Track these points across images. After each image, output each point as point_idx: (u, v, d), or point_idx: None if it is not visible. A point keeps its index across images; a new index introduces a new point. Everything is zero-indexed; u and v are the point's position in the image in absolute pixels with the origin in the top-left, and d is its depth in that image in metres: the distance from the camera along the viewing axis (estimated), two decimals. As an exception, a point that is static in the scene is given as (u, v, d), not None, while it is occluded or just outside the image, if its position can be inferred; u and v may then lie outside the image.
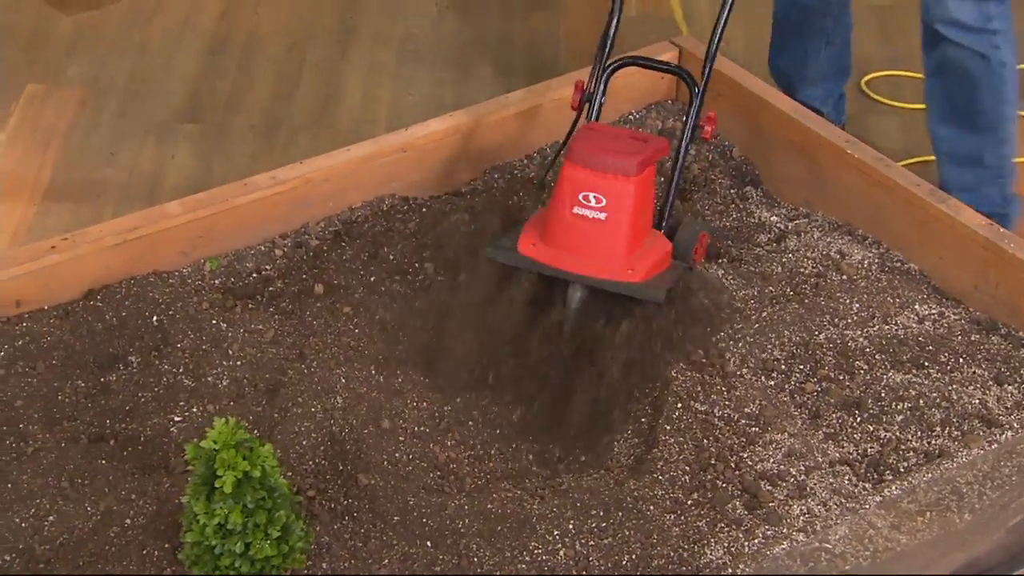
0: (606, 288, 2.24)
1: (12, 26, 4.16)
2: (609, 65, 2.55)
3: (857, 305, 2.47)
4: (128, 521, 2.05)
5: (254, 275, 2.58)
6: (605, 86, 2.55)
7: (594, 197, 2.25)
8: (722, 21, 2.52)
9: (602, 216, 2.25)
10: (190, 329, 2.40)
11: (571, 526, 2.06)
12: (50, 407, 2.27)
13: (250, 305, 2.49)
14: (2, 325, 2.38)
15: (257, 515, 1.86)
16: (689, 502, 2.11)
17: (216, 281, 2.55)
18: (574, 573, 2.00)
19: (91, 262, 2.45)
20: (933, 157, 3.26)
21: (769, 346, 2.39)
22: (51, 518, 2.08)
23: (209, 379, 2.31)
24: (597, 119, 2.55)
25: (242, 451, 1.83)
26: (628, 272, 2.25)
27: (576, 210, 2.26)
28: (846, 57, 3.52)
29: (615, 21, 2.57)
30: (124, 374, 2.34)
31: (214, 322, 2.42)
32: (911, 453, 2.21)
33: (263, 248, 2.64)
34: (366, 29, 4.27)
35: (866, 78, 3.93)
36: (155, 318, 2.42)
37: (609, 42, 2.57)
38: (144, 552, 2.00)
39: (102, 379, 2.33)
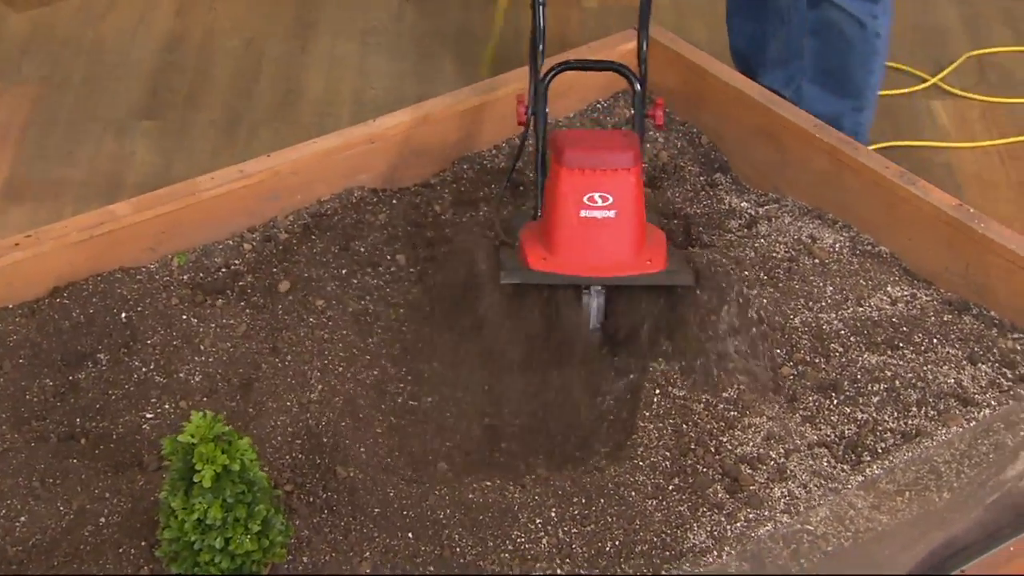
0: (634, 283, 2.23)
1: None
2: (545, 75, 2.50)
3: (830, 288, 2.48)
4: (102, 520, 2.02)
5: (223, 270, 2.54)
6: (545, 97, 2.50)
7: (600, 197, 2.23)
8: (646, 17, 2.51)
9: (611, 214, 2.24)
10: (160, 325, 2.37)
11: (553, 514, 2.04)
12: (18, 407, 2.23)
13: (220, 300, 2.46)
14: (-34, 325, 2.34)
15: (237, 509, 1.83)
16: (670, 487, 2.11)
17: (184, 276, 2.51)
18: (557, 561, 1.98)
19: (56, 259, 2.41)
20: (904, 143, 3.30)
21: (744, 331, 2.39)
22: (22, 519, 2.03)
23: (181, 375, 2.28)
24: (544, 131, 2.49)
25: (220, 444, 1.80)
26: (647, 263, 2.25)
27: (583, 213, 2.24)
28: (803, 35, 3.51)
29: (540, 28, 2.51)
30: (93, 372, 2.30)
31: (184, 317, 2.39)
32: (888, 434, 2.22)
33: (231, 242, 2.60)
34: (325, 23, 4.24)
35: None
36: (123, 315, 2.38)
37: (539, 53, 2.50)
38: (120, 551, 1.96)
39: (71, 377, 2.29)
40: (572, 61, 2.57)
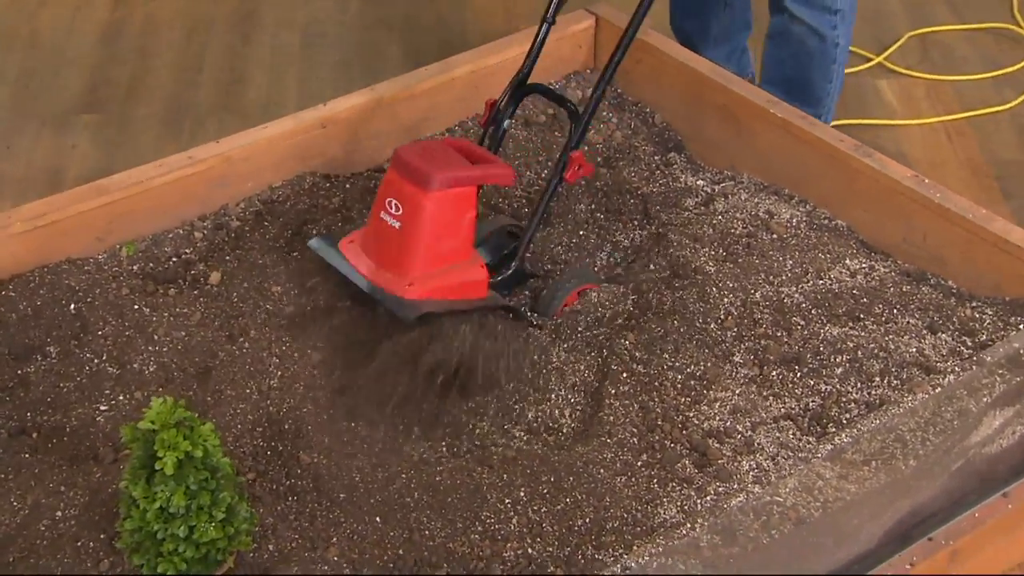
0: (379, 298, 2.17)
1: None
2: (516, 92, 2.49)
3: (790, 262, 2.47)
4: (59, 514, 1.96)
5: (174, 259, 2.49)
6: (514, 110, 2.49)
7: (395, 204, 2.19)
8: (609, 71, 2.44)
9: (397, 224, 2.18)
10: (111, 316, 2.31)
11: (522, 493, 2.02)
12: (-34, 402, 2.16)
13: (172, 289, 2.40)
14: (-91, 319, 2.26)
15: (200, 497, 1.78)
16: (639, 463, 2.09)
17: (134, 267, 2.46)
18: (528, 540, 1.95)
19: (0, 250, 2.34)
20: (852, 121, 3.29)
21: (708, 306, 2.38)
22: (-26, 516, 1.98)
23: (135, 365, 2.23)
24: (498, 147, 2.47)
25: (182, 431, 1.76)
26: (406, 287, 2.16)
27: (382, 215, 2.21)
28: (746, 13, 3.50)
29: (538, 48, 2.51)
30: (43, 365, 2.24)
31: (136, 307, 2.33)
32: (852, 404, 2.21)
33: (182, 231, 2.55)
34: (268, 14, 4.17)
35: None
36: (72, 306, 2.32)
37: (531, 64, 2.50)
38: (79, 544, 1.91)
39: (19, 371, 2.23)
40: (540, 87, 2.56)
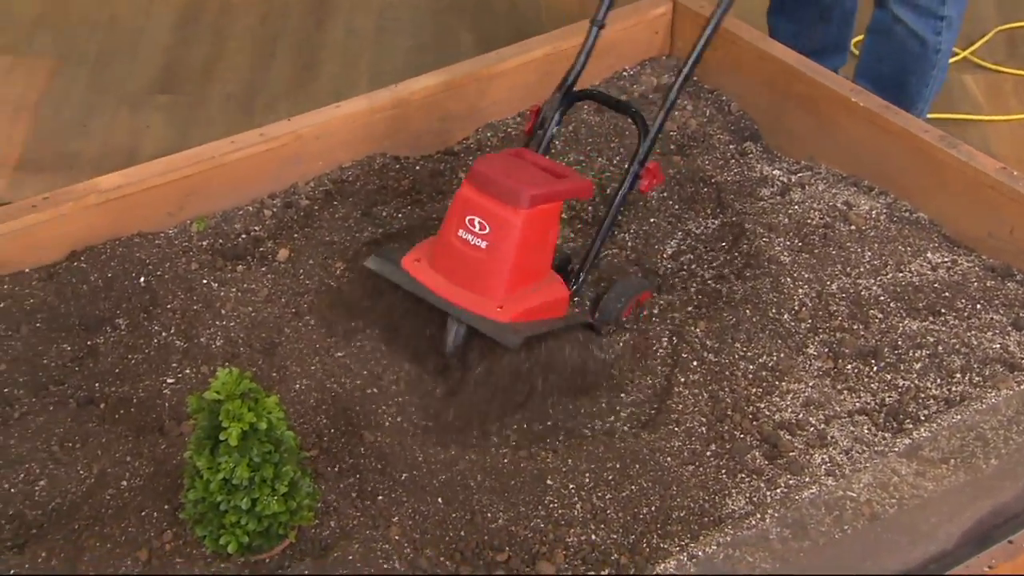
0: (468, 321, 2.08)
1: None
2: (569, 95, 2.40)
3: (868, 254, 2.41)
4: (124, 483, 1.96)
5: (243, 236, 2.48)
6: (561, 116, 2.40)
7: (479, 223, 2.09)
8: (679, 82, 2.34)
9: (483, 244, 2.08)
10: (180, 289, 2.31)
11: (587, 479, 1.98)
12: (36, 371, 2.17)
13: (240, 266, 2.39)
14: (-18, 287, 2.28)
15: (264, 469, 1.77)
16: (707, 453, 2.04)
17: (204, 242, 2.45)
18: (591, 526, 1.91)
19: (74, 222, 2.35)
20: (940, 115, 3.20)
21: (782, 296, 2.32)
22: (42, 483, 1.98)
23: (202, 340, 2.22)
24: (546, 150, 2.38)
25: (247, 402, 1.74)
26: (497, 310, 2.07)
27: (461, 233, 2.10)
28: (844, 39, 3.39)
29: (587, 52, 2.43)
30: (112, 336, 2.24)
31: (204, 282, 2.33)
32: (931, 400, 2.15)
33: (252, 208, 2.54)
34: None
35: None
36: (142, 279, 2.32)
37: (579, 69, 2.41)
38: (143, 513, 1.90)
39: (89, 342, 2.23)
40: (597, 94, 2.47)
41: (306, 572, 1.82)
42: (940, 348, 2.22)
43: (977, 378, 2.16)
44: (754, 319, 2.26)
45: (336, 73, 3.83)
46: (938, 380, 2.18)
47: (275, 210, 2.54)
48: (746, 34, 2.86)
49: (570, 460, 2.01)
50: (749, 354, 2.20)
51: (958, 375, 2.18)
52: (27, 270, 2.32)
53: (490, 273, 2.08)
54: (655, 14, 2.99)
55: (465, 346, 2.13)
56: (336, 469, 2.00)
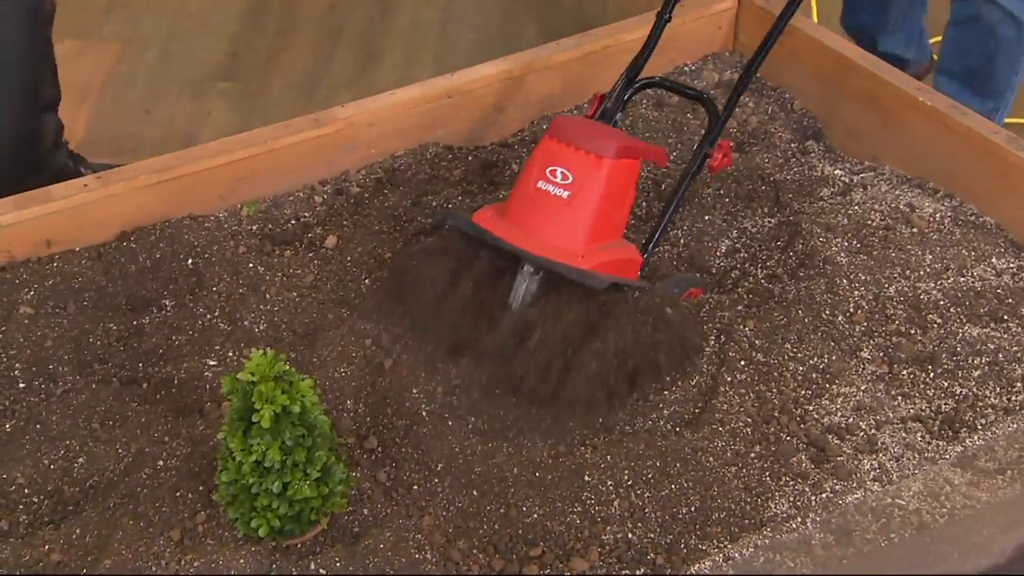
0: (551, 268, 2.02)
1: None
2: (634, 83, 2.38)
3: (930, 257, 2.34)
4: (160, 463, 1.95)
5: (292, 221, 2.47)
6: (625, 104, 2.38)
7: (561, 172, 2.06)
8: (754, 67, 2.36)
9: (565, 194, 2.05)
10: (226, 272, 2.30)
11: (626, 476, 1.94)
12: (81, 349, 2.17)
13: (288, 251, 2.38)
14: (32, 265, 2.29)
15: (296, 453, 1.75)
16: (751, 455, 1.99)
17: (253, 227, 2.44)
18: (629, 525, 1.87)
19: (125, 202, 2.35)
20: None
21: (837, 298, 2.26)
22: (81, 460, 1.98)
23: (246, 323, 2.21)
24: None
25: (281, 384, 1.72)
26: (580, 257, 2.04)
27: (541, 184, 2.07)
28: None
29: (654, 41, 2.42)
30: (158, 317, 2.24)
31: (251, 266, 2.32)
32: (989, 410, 2.08)
33: (302, 195, 2.53)
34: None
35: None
36: (190, 261, 2.32)
37: (643, 59, 2.39)
38: (177, 494, 1.89)
39: (135, 322, 2.23)
40: (666, 80, 2.44)
41: (336, 559, 1.80)
42: (1001, 356, 2.15)
43: (1040, 388, 2.09)
44: (806, 320, 2.20)
45: (399, 64, 3.82)
46: (997, 389, 2.11)
47: (325, 196, 2.53)
48: (809, 28, 2.80)
49: (609, 456, 1.97)
50: (799, 355, 2.15)
51: (1019, 384, 2.11)
52: (77, 249, 2.33)
53: (572, 221, 2.06)
54: (719, 8, 2.94)
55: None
56: (372, 457, 1.98)
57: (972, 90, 2.83)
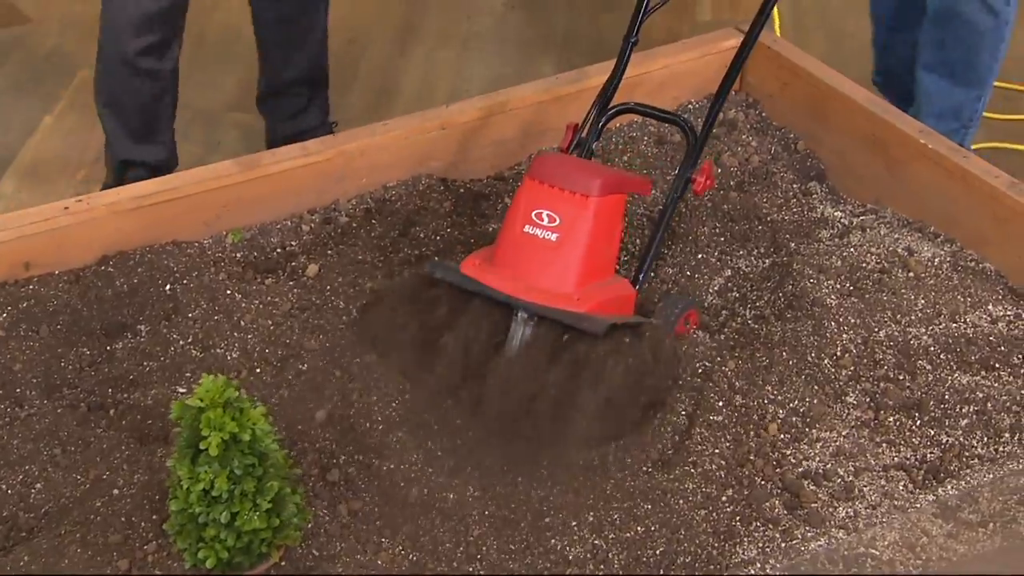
0: (547, 315, 1.98)
1: (74, 14, 4.11)
2: (607, 110, 2.34)
3: (922, 302, 2.27)
4: (116, 491, 1.92)
5: (278, 250, 2.45)
6: (600, 132, 2.33)
7: (547, 215, 2.03)
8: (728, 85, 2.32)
9: (553, 237, 2.02)
10: (203, 299, 2.28)
11: (591, 517, 1.88)
12: (51, 373, 2.15)
13: (269, 279, 2.36)
14: (9, 287, 2.28)
15: (245, 482, 1.71)
16: (723, 498, 1.93)
17: (237, 254, 2.42)
18: (591, 567, 1.81)
19: (105, 226, 2.34)
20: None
21: (823, 341, 2.20)
22: (39, 485, 1.95)
23: (218, 350, 2.18)
24: None
25: (231, 411, 1.69)
26: (575, 300, 1.99)
27: (527, 229, 2.03)
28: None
29: (622, 68, 2.38)
30: (131, 343, 2.22)
31: (229, 292, 2.30)
32: (975, 460, 2.01)
33: (290, 223, 2.51)
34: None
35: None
36: (168, 287, 2.30)
37: (613, 86, 2.35)
38: (132, 521, 1.86)
39: (108, 347, 2.21)
40: (638, 105, 2.38)
41: (283, 594, 1.76)
42: (989, 405, 2.07)
43: (1027, 439, 2.01)
44: (790, 362, 2.14)
45: (413, 99, 3.80)
46: (984, 439, 2.03)
47: (313, 225, 2.51)
48: (814, 68, 2.75)
49: (576, 496, 1.91)
50: (780, 398, 2.09)
51: (1007, 435, 2.03)
52: (56, 272, 2.32)
53: (563, 264, 2.03)
54: (725, 46, 2.89)
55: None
56: (334, 490, 1.94)
57: (955, 81, 2.79)
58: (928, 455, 2.02)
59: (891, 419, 2.08)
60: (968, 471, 1.98)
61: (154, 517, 1.87)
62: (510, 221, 2.07)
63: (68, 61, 3.90)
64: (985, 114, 3.08)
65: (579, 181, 2.05)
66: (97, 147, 3.51)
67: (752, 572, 1.75)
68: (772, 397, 2.08)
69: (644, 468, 1.97)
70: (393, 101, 3.80)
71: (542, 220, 2.04)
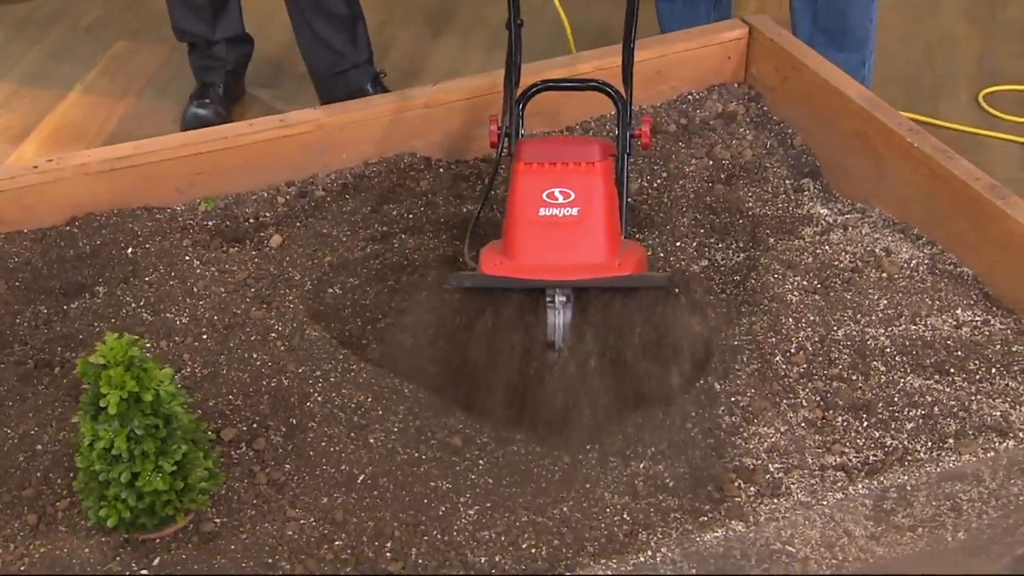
0: (601, 285, 1.94)
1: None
2: (522, 95, 2.29)
3: (885, 303, 2.20)
4: (40, 447, 1.94)
5: (251, 220, 2.46)
6: (521, 118, 2.29)
7: (560, 192, 2.00)
8: (631, 30, 2.30)
9: (574, 211, 1.99)
10: (161, 264, 2.30)
11: (507, 496, 1.85)
12: (3, 329, 2.19)
13: (234, 248, 2.37)
14: (-26, 244, 2.32)
15: (145, 443, 1.71)
16: (644, 488, 1.88)
17: (209, 223, 2.44)
18: (498, 546, 1.78)
19: (74, 187, 2.37)
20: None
21: (779, 337, 2.14)
22: (-31, 439, 1.98)
23: (168, 315, 2.20)
24: None
25: (133, 371, 1.69)
26: (617, 267, 1.96)
27: (543, 211, 1.99)
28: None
29: (516, 49, 2.32)
30: (87, 303, 2.24)
31: (187, 259, 2.31)
32: (916, 464, 1.93)
33: (266, 194, 2.51)
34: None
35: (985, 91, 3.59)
36: (130, 250, 2.32)
37: (515, 71, 2.30)
38: (47, 478, 1.88)
39: (64, 307, 2.24)
40: (551, 81, 2.34)
41: (183, 556, 1.75)
42: (937, 409, 2.00)
43: (969, 446, 1.93)
44: (737, 357, 2.09)
45: (436, 81, 3.79)
46: (928, 443, 1.96)
47: (288, 198, 2.51)
48: (815, 64, 2.68)
49: (491, 477, 1.88)
50: (724, 392, 2.03)
51: (951, 440, 1.95)
52: (24, 231, 2.35)
53: (593, 236, 2.00)
54: (728, 37, 2.84)
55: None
56: (259, 458, 1.94)
57: (835, 47, 2.76)
58: (871, 457, 1.96)
59: (839, 419, 2.02)
60: (907, 475, 1.91)
61: (71, 475, 1.88)
62: (519, 209, 2.02)
63: (107, 32, 3.97)
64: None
65: (578, 152, 2.04)
66: (122, 116, 3.57)
67: (657, 560, 1.70)
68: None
69: (572, 453, 1.93)
70: (416, 81, 3.79)
71: (556, 199, 2.01)
